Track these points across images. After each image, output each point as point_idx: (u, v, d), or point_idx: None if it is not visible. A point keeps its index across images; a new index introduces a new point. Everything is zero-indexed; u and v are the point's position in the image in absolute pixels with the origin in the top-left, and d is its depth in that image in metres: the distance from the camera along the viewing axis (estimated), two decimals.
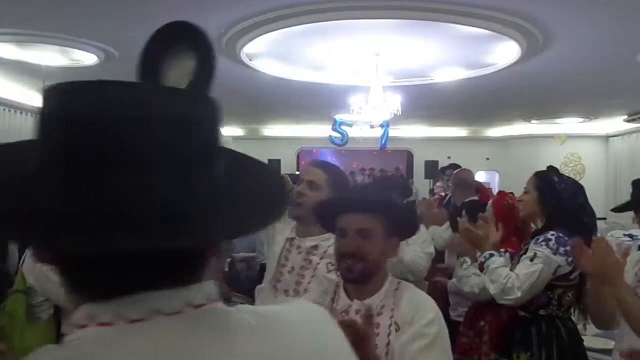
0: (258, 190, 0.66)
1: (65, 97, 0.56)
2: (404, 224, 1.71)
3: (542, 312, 2.48)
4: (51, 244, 0.54)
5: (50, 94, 0.58)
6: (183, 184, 0.56)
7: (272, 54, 6.80)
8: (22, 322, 2.33)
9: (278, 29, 5.52)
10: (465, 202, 4.01)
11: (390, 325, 1.54)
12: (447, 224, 3.95)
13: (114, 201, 0.53)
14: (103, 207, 0.52)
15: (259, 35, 5.72)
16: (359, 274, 1.59)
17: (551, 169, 2.73)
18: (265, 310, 0.68)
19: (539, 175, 2.67)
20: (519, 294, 2.39)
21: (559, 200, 2.53)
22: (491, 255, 2.54)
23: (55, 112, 0.56)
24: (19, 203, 0.55)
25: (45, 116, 0.58)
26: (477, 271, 2.84)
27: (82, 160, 0.53)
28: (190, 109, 0.58)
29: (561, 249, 2.42)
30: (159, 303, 0.57)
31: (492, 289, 2.47)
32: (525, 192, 2.65)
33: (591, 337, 2.88)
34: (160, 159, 0.54)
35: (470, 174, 4.58)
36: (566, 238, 2.44)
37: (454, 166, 5.73)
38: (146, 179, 0.54)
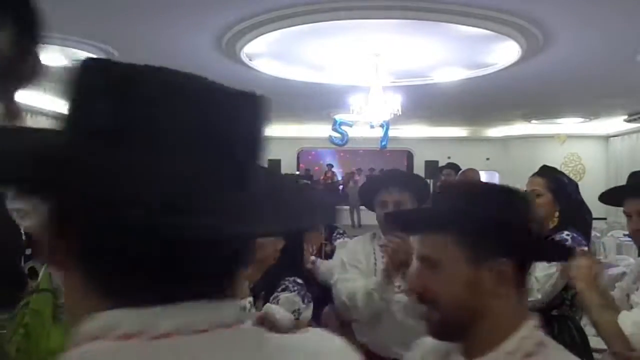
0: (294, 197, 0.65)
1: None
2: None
3: (555, 312, 2.48)
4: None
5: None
6: (241, 174, 0.53)
7: (272, 54, 6.80)
8: (49, 322, 2.28)
9: (278, 29, 5.53)
10: None
11: None
12: None
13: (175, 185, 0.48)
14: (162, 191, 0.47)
15: (259, 35, 5.72)
16: (437, 327, 1.03)
17: (549, 168, 2.72)
18: (291, 339, 0.63)
19: (547, 176, 2.64)
20: (539, 296, 2.37)
21: (570, 200, 2.54)
22: None
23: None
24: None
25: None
26: None
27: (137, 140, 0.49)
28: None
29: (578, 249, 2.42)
30: (189, 318, 0.50)
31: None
32: (538, 195, 2.62)
33: (592, 337, 2.88)
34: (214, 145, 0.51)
35: (476, 174, 4.57)
36: (580, 238, 2.44)
37: (452, 166, 5.73)
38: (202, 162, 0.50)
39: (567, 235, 2.45)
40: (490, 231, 0.95)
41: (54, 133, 0.54)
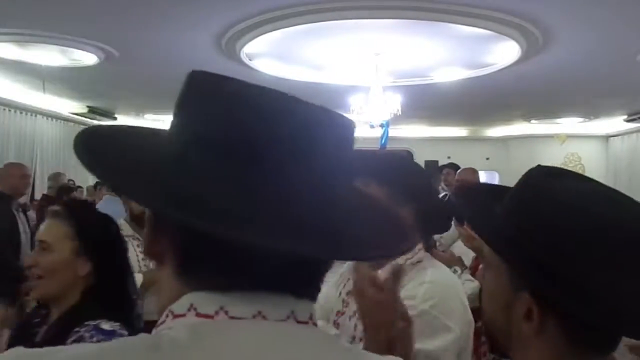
0: (382, 216, 0.68)
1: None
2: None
3: None
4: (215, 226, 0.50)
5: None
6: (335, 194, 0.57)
7: (272, 54, 6.80)
8: None
9: (278, 29, 5.53)
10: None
11: None
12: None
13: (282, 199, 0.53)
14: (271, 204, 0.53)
15: (259, 35, 5.72)
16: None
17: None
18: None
19: None
20: None
21: None
22: None
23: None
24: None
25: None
26: (470, 277, 2.79)
27: (252, 153, 0.53)
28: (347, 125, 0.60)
29: None
30: (265, 307, 0.54)
31: None
32: None
33: None
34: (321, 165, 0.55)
35: (475, 173, 4.55)
36: None
37: (451, 165, 5.73)
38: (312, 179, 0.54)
39: None
40: (539, 263, 0.73)
41: (164, 141, 0.59)
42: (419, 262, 1.40)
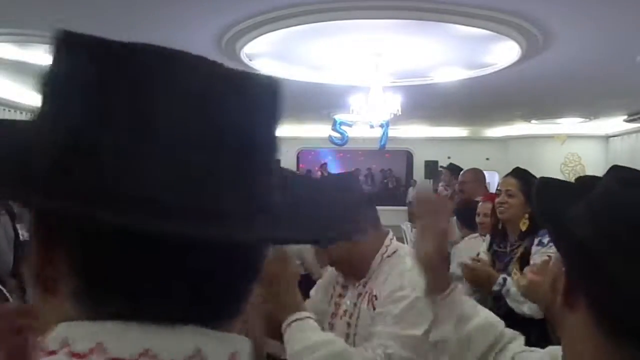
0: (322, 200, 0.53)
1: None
2: None
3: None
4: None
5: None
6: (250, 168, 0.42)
7: (272, 54, 6.80)
8: None
9: (278, 29, 5.53)
10: (457, 205, 4.00)
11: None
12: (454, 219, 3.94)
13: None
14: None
15: (259, 35, 5.73)
16: None
17: (522, 170, 2.72)
18: None
19: (521, 177, 2.62)
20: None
21: None
22: (505, 279, 2.41)
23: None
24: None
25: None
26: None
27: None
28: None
29: None
30: (161, 342, 0.39)
31: (527, 309, 2.31)
32: (510, 196, 2.60)
33: None
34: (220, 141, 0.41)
35: (479, 173, 4.53)
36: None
37: (452, 166, 5.73)
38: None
39: (544, 239, 2.39)
40: None
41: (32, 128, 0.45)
42: (394, 252, 1.49)
